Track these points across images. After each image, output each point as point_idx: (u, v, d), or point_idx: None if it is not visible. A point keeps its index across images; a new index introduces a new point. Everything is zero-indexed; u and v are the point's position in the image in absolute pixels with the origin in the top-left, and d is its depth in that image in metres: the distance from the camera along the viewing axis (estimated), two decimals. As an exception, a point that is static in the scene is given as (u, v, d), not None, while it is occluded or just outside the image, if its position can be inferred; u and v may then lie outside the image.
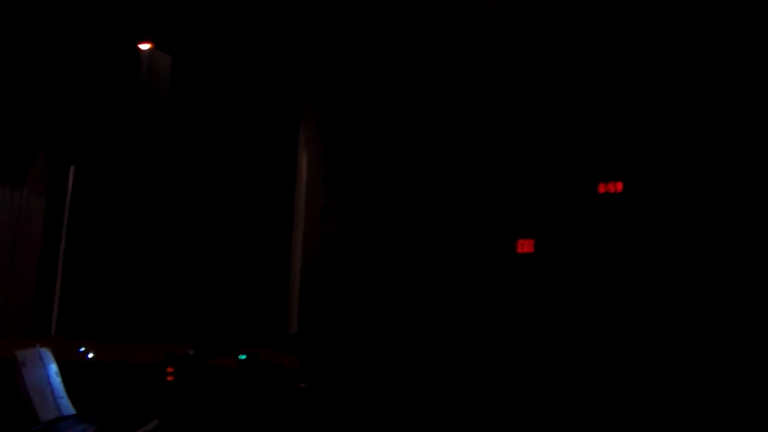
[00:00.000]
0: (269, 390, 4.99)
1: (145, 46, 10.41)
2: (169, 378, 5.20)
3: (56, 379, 4.34)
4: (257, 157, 9.93)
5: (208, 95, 10.19)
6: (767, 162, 7.90)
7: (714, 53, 8.43)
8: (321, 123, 10.02)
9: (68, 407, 4.29)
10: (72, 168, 11.02)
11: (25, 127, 10.46)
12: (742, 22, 8.04)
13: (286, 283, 9.57)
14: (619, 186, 9.14)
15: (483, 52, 9.55)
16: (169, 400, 5.00)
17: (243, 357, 5.34)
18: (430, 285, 9.43)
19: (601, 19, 8.89)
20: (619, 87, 9.00)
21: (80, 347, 5.40)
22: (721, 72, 8.45)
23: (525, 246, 9.54)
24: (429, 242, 9.62)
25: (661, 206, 8.81)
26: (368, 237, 9.81)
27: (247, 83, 10.01)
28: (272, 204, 9.82)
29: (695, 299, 8.30)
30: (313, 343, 8.84)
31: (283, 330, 9.26)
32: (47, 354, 4.42)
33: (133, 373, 5.90)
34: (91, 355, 5.36)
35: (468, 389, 7.54)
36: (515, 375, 8.01)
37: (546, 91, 9.32)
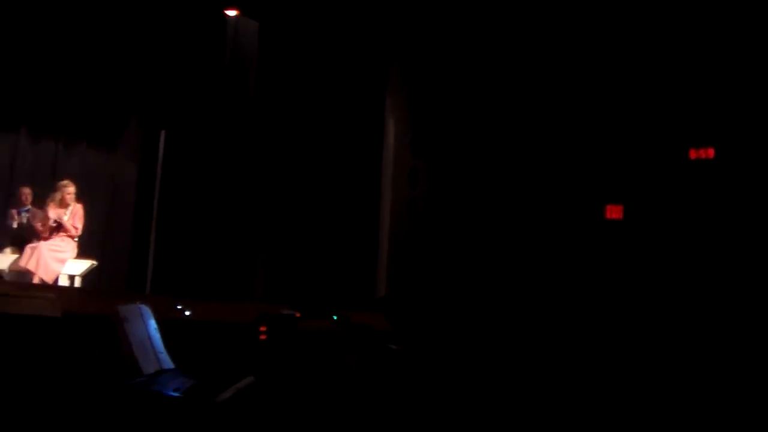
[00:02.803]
0: (361, 350, 5.03)
1: (231, 13, 10.52)
2: (262, 337, 5.29)
3: (156, 335, 4.47)
4: (344, 121, 9.92)
5: (294, 60, 10.23)
6: None
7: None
8: (407, 85, 9.96)
9: (168, 361, 4.41)
10: (163, 133, 11.28)
11: (117, 94, 10.73)
12: None
13: (375, 246, 9.59)
14: (711, 152, 8.87)
15: (571, 12, 9.34)
16: (262, 358, 5.08)
17: (335, 318, 5.39)
18: (518, 249, 9.36)
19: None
20: (711, 52, 8.71)
21: (177, 305, 5.56)
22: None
23: (613, 212, 9.38)
24: (517, 205, 9.53)
25: (753, 172, 8.52)
26: (456, 199, 9.77)
27: (333, 48, 10.00)
28: (360, 167, 9.81)
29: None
30: (403, 306, 8.87)
31: (371, 293, 9.30)
32: (147, 310, 4.55)
33: (226, 330, 6.03)
34: (188, 313, 5.50)
35: (557, 353, 7.47)
36: (607, 340, 7.87)
37: (637, 55, 9.08)
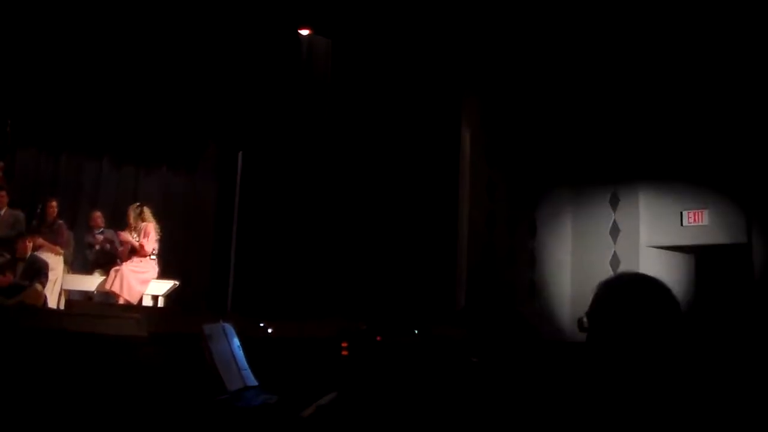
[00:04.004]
0: (442, 363, 4.98)
1: (304, 32, 10.61)
2: (344, 353, 5.28)
3: (239, 352, 4.50)
4: (419, 134, 9.87)
5: (368, 75, 10.25)
6: None
7: None
8: (482, 97, 9.87)
9: (251, 378, 4.44)
10: (240, 154, 11.44)
11: (195, 117, 10.93)
12: None
13: (453, 259, 9.47)
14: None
15: (641, 30, 9.17)
16: (345, 373, 5.08)
17: (416, 331, 5.35)
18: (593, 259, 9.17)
19: None
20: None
21: (260, 323, 5.60)
22: None
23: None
24: (593, 213, 9.37)
25: None
26: (530, 209, 9.66)
27: (406, 60, 9.99)
28: (436, 180, 9.73)
29: None
30: (482, 319, 8.74)
31: (451, 305, 9.19)
32: (231, 328, 4.59)
33: (306, 347, 6.05)
34: (270, 331, 5.55)
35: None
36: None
37: (726, 71, 8.81)
